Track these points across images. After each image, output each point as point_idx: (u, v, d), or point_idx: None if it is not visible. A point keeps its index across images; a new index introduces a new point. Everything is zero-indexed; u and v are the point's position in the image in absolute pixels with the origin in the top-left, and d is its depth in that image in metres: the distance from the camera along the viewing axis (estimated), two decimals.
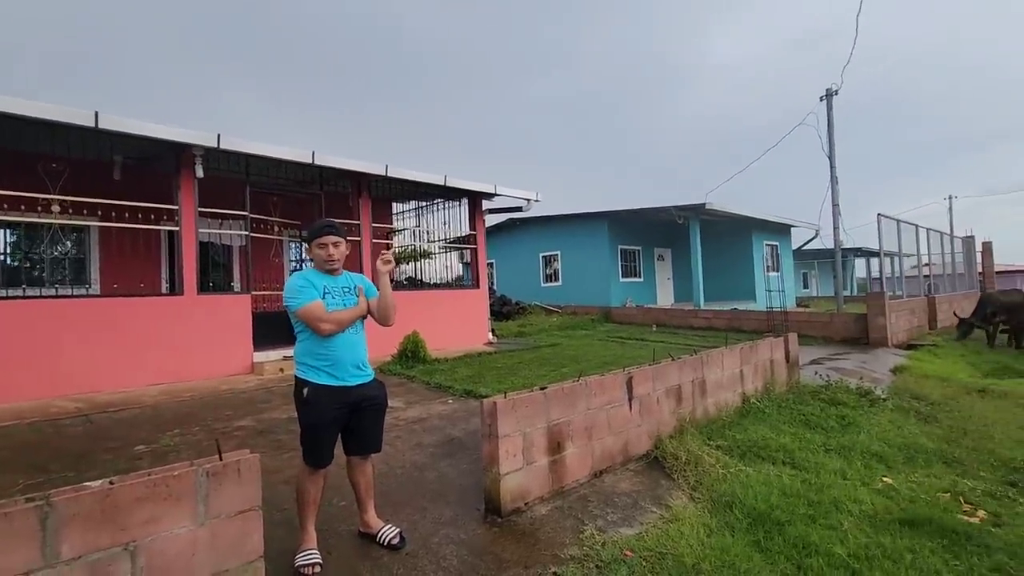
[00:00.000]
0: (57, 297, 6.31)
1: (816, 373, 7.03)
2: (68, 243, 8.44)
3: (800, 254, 24.25)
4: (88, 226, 7.07)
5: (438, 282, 10.99)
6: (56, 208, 6.40)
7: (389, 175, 8.49)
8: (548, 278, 19.46)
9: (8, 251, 8.01)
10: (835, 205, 13.40)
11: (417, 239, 11.30)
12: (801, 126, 14.06)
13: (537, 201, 10.88)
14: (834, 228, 13.40)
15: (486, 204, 10.95)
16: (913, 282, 14.78)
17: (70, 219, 6.54)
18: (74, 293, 7.13)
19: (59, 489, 1.75)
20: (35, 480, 3.47)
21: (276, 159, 7.42)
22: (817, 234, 18.98)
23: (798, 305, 20.22)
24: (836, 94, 13.47)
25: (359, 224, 8.77)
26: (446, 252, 11.35)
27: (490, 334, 10.71)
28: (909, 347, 10.91)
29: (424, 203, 11.12)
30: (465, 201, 10.65)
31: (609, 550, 2.71)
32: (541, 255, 19.63)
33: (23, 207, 6.05)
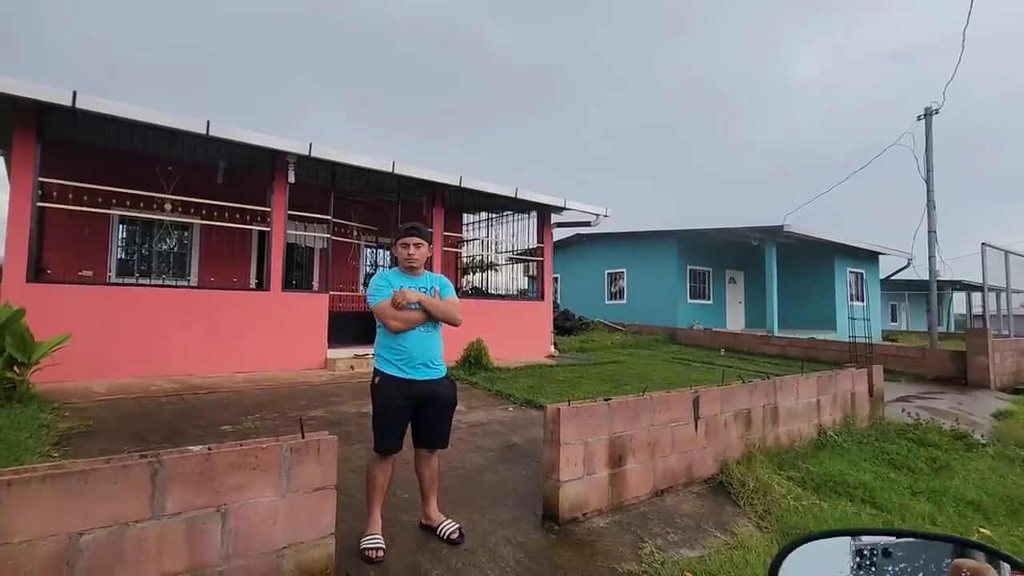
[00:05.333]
0: (163, 286, 6.97)
1: (904, 411, 6.50)
2: (174, 239, 9.30)
3: (888, 284, 22.53)
4: (192, 224, 7.79)
5: (503, 293, 11.14)
6: (168, 207, 7.10)
7: (463, 186, 8.76)
8: (613, 295, 19.20)
9: (124, 244, 8.94)
10: (931, 232, 12.38)
11: (485, 249, 11.53)
12: (894, 148, 13.14)
13: (606, 216, 10.82)
14: (929, 257, 12.36)
15: (555, 218, 11.01)
16: (1022, 321, 13.36)
17: (179, 217, 7.24)
18: (177, 284, 7.85)
19: (166, 450, 1.95)
20: (137, 448, 3.82)
21: (359, 167, 7.87)
22: (909, 263, 17.57)
23: (884, 338, 18.74)
24: (936, 113, 12.51)
25: (431, 232, 9.10)
26: (512, 264, 11.51)
27: (552, 347, 10.70)
28: (1015, 391, 9.85)
29: (494, 215, 11.35)
30: (534, 214, 10.77)
31: (669, 569, 2.64)
32: (607, 272, 19.41)
33: (142, 205, 6.78)
